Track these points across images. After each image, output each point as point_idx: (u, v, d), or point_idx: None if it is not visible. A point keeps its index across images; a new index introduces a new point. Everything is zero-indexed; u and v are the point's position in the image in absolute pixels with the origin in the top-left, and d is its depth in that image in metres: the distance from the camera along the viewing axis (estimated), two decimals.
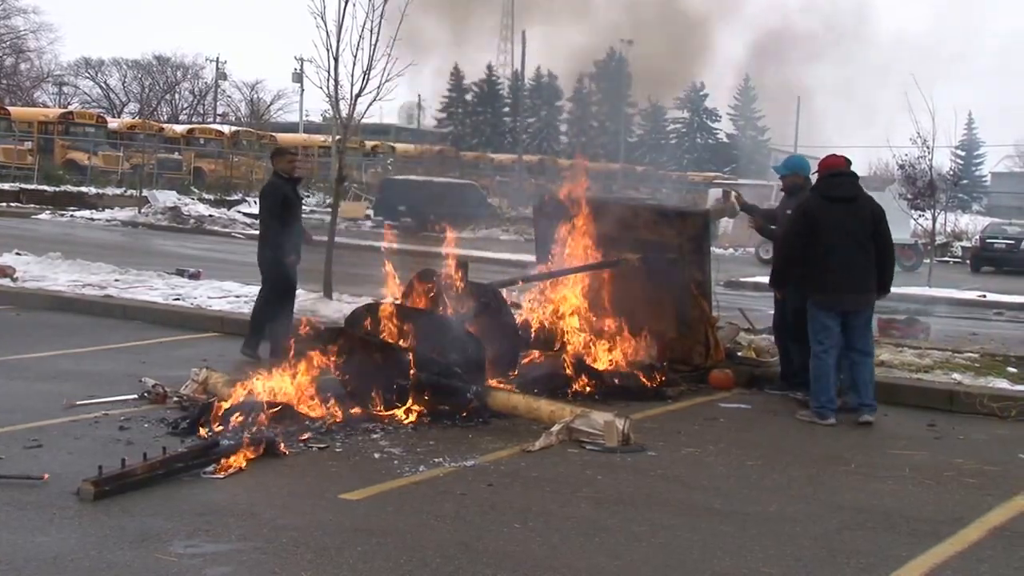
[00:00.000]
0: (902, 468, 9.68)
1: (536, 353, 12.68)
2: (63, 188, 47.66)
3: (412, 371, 10.62)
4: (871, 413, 11.43)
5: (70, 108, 75.54)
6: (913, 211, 30.77)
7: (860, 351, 11.61)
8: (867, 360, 11.69)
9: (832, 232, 11.35)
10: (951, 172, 45.68)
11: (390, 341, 11.11)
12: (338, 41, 18.02)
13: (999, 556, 7.46)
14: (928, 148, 29.30)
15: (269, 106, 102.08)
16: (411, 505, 7.99)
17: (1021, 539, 7.83)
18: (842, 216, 11.43)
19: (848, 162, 11.85)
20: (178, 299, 17.60)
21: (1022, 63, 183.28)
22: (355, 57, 17.95)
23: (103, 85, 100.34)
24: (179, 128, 70.56)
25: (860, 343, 11.61)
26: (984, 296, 27.23)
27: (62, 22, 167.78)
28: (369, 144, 67.85)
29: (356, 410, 10.38)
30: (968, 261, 42.43)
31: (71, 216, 41.76)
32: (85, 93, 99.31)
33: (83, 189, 47.98)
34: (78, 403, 10.66)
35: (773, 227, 13.16)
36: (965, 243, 46.94)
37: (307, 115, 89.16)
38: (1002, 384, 12.78)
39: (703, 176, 73.81)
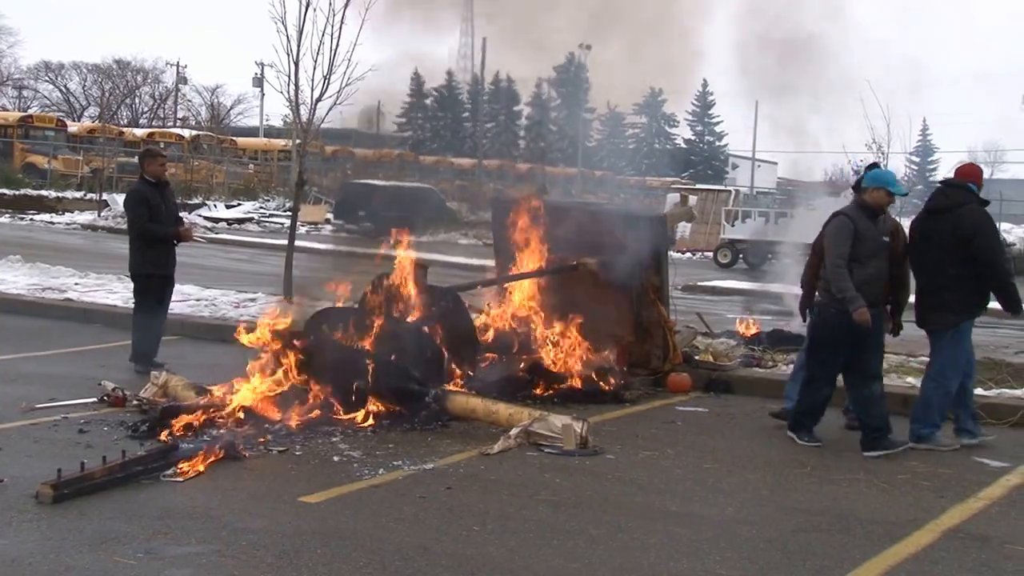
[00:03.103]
0: (857, 471, 9.79)
1: (495, 356, 12.72)
2: (22, 192, 47.22)
3: (371, 374, 10.65)
4: (915, 438, 10.76)
5: (30, 111, 74.92)
6: None
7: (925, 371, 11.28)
8: (923, 381, 11.17)
9: (922, 245, 10.80)
10: (906, 178, 45.98)
11: (349, 345, 11.13)
12: (299, 46, 18.05)
13: (952, 558, 7.55)
14: (883, 154, 29.56)
15: (229, 110, 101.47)
16: (370, 508, 8.02)
17: (974, 541, 7.93)
18: (931, 229, 10.76)
19: (976, 172, 11.07)
20: None
21: (977, 69, 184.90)
22: (315, 62, 18.00)
23: (63, 89, 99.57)
24: (139, 132, 69.96)
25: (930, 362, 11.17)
26: None
27: (22, 25, 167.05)
28: (329, 149, 67.70)
29: (315, 413, 10.39)
30: None
31: (31, 220, 41.50)
32: (45, 97, 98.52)
33: (43, 192, 47.55)
34: (37, 406, 10.62)
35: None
36: None
37: (267, 119, 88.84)
38: None
39: (661, 181, 73.94)
